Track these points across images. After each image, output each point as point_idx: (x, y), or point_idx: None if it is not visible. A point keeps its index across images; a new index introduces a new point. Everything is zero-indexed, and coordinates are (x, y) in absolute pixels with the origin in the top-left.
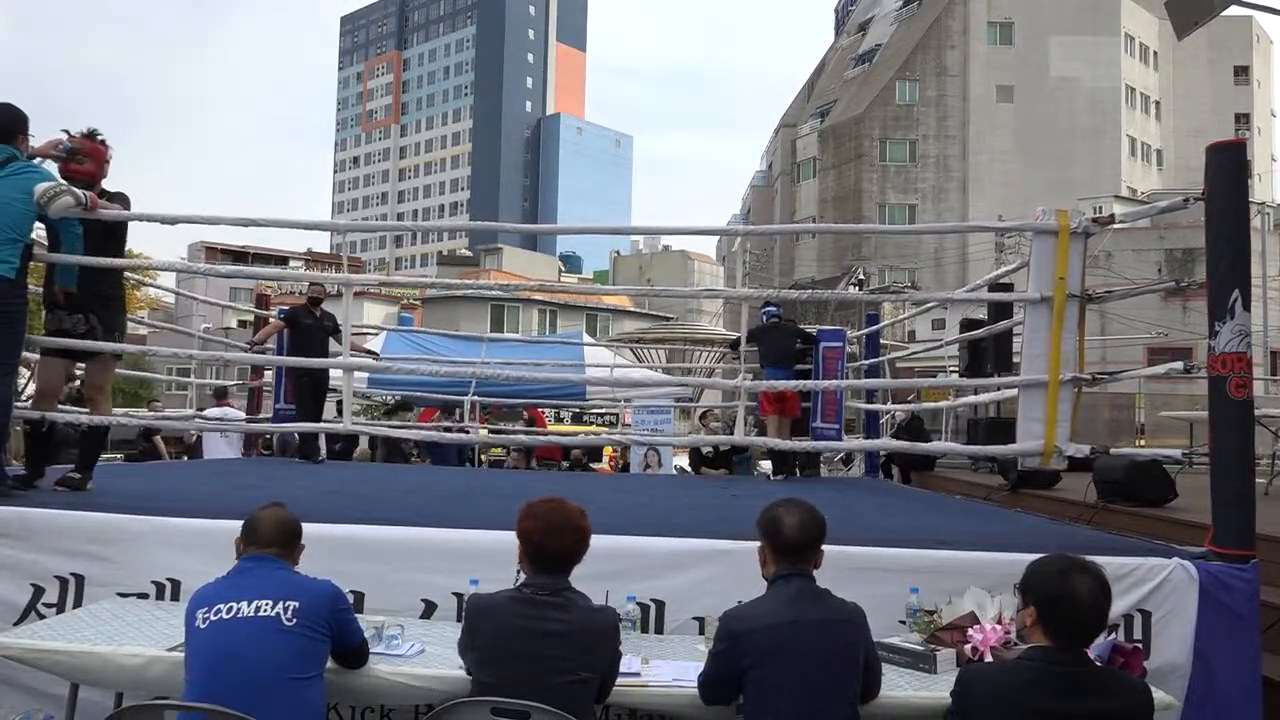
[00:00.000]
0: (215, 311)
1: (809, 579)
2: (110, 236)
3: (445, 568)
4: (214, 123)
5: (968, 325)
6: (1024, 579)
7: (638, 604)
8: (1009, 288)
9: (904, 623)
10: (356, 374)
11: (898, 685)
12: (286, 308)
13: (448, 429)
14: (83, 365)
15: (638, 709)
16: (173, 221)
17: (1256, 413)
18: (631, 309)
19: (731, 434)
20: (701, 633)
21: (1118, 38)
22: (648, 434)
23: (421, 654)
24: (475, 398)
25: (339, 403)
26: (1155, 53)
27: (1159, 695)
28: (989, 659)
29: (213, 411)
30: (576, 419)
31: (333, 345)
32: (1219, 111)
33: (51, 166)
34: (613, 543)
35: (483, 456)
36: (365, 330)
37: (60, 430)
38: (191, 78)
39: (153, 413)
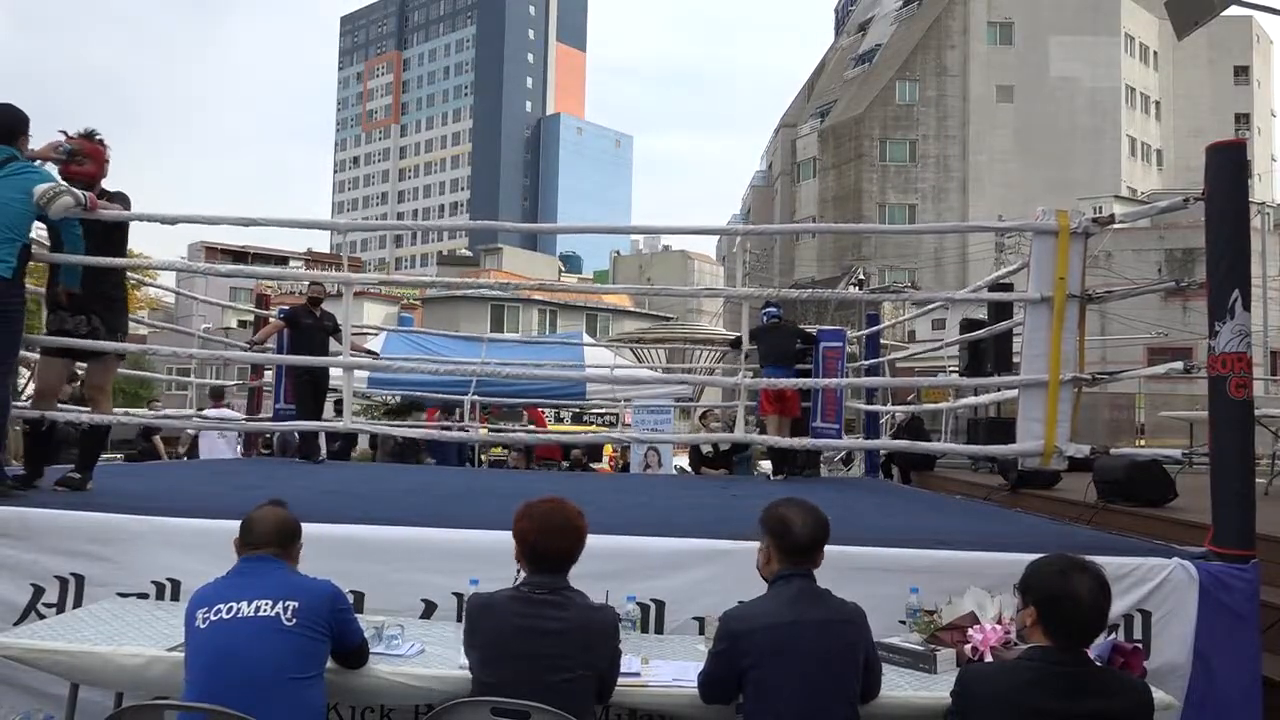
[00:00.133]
0: (215, 311)
1: (810, 579)
2: (111, 237)
3: (445, 568)
4: (214, 123)
5: (968, 325)
6: (1024, 579)
7: (638, 604)
8: (1009, 288)
9: (904, 623)
10: (356, 374)
11: (898, 685)
12: (286, 308)
13: (447, 429)
14: (84, 365)
15: (638, 709)
16: (172, 221)
17: (1256, 413)
18: (631, 309)
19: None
20: (701, 633)
21: (1118, 38)
22: (648, 434)
23: (421, 654)
24: (475, 397)
25: (337, 402)
26: (1155, 53)
27: (1159, 695)
28: (989, 659)
29: (210, 413)
30: (576, 419)
31: (333, 345)
32: (1219, 111)
33: (51, 168)
34: (613, 543)
35: (483, 456)
36: (365, 330)
37: (61, 430)
38: (191, 78)
39: (152, 412)
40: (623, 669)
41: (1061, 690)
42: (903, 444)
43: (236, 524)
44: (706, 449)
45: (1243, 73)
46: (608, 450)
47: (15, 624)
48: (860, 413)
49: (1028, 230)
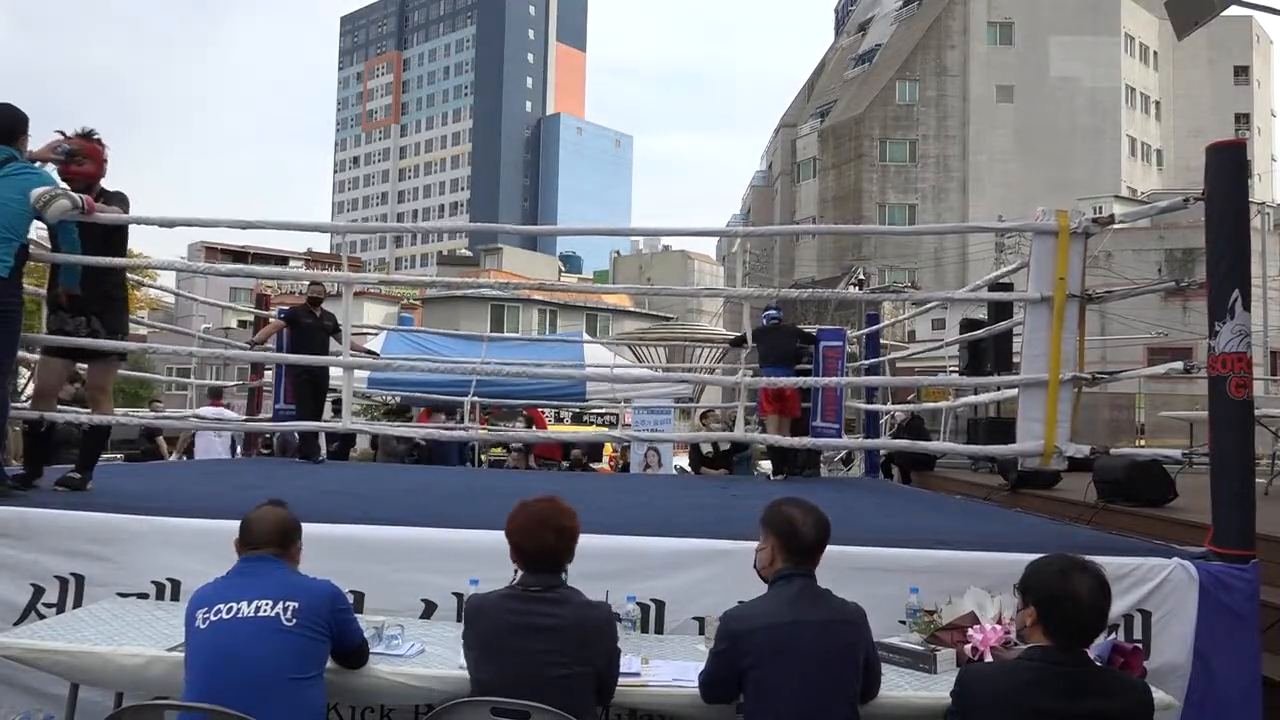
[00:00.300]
0: (215, 311)
1: (811, 579)
2: (111, 238)
3: (445, 568)
4: (214, 123)
5: (968, 325)
6: (1024, 579)
7: (638, 604)
8: (1009, 288)
9: (904, 623)
10: (356, 374)
11: (898, 685)
12: (286, 307)
13: (448, 429)
14: (84, 366)
15: (638, 709)
16: (170, 224)
17: (1256, 413)
18: (631, 309)
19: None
20: (701, 633)
21: (1118, 38)
22: (648, 433)
23: (421, 654)
24: (475, 398)
25: (336, 402)
26: (1155, 53)
27: (1159, 695)
28: (989, 659)
29: (206, 410)
30: (576, 419)
31: (333, 345)
32: (1219, 111)
33: (51, 169)
34: (613, 543)
35: (482, 456)
36: (365, 330)
37: (62, 430)
38: (191, 78)
39: (153, 413)
40: (623, 669)
41: (1061, 690)
42: (903, 444)
43: (236, 524)
44: (706, 449)
45: (1243, 73)
46: (608, 450)
47: (15, 624)
48: (860, 412)
49: (1028, 230)
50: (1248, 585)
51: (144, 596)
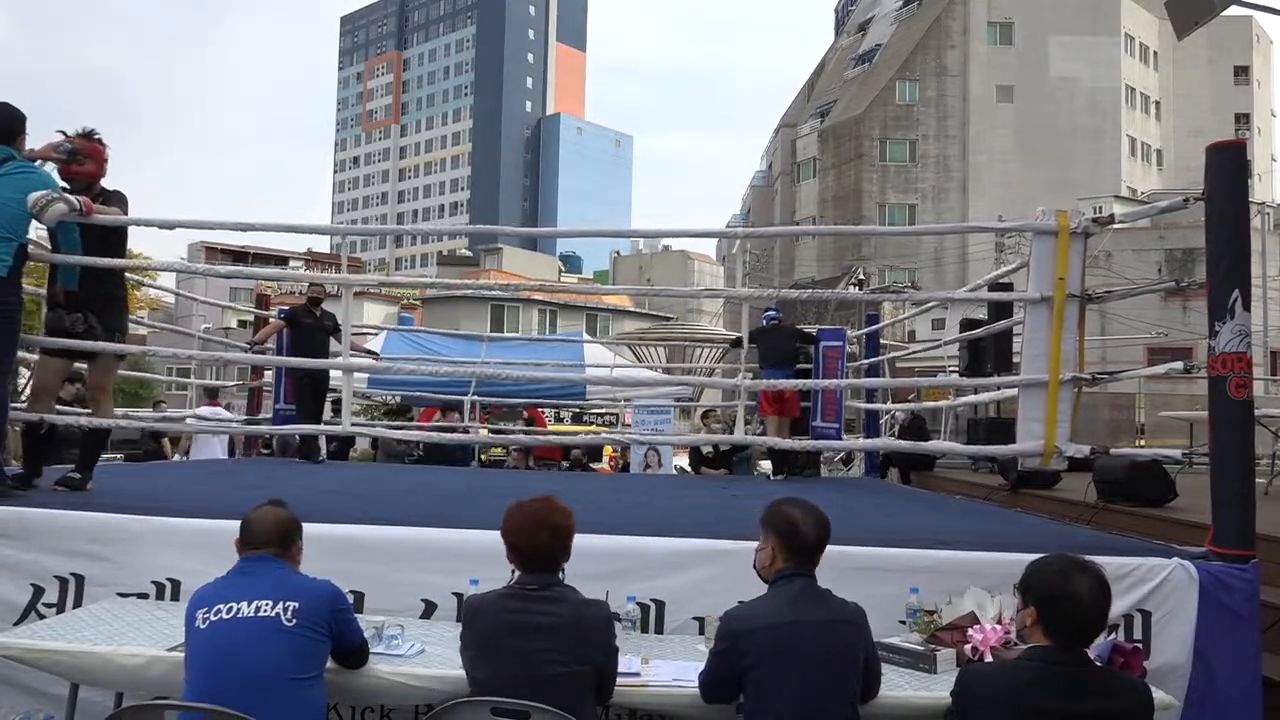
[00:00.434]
0: (215, 312)
1: (811, 579)
2: (110, 237)
3: (445, 568)
4: (214, 123)
5: (968, 325)
6: (1024, 579)
7: (638, 604)
8: (1009, 288)
9: (904, 623)
10: (356, 374)
11: (898, 685)
12: (286, 308)
13: (451, 429)
14: (83, 365)
15: (638, 709)
16: (170, 226)
17: (1256, 413)
18: (631, 309)
19: (732, 434)
20: (701, 633)
21: (1118, 38)
22: (648, 434)
23: (421, 654)
24: (475, 398)
25: (336, 402)
26: (1155, 53)
27: (1159, 695)
28: (989, 659)
29: (203, 410)
30: (576, 419)
31: (333, 345)
32: (1219, 111)
33: (51, 168)
34: (613, 543)
35: (482, 456)
36: (365, 330)
37: (62, 430)
38: (191, 78)
39: (156, 413)
40: (623, 669)
41: (1061, 690)
42: (901, 444)
43: (236, 524)
44: (706, 449)
45: (1243, 73)
46: (608, 450)
47: (15, 624)
48: (860, 412)
49: (1028, 230)
50: (1248, 585)
51: (144, 596)
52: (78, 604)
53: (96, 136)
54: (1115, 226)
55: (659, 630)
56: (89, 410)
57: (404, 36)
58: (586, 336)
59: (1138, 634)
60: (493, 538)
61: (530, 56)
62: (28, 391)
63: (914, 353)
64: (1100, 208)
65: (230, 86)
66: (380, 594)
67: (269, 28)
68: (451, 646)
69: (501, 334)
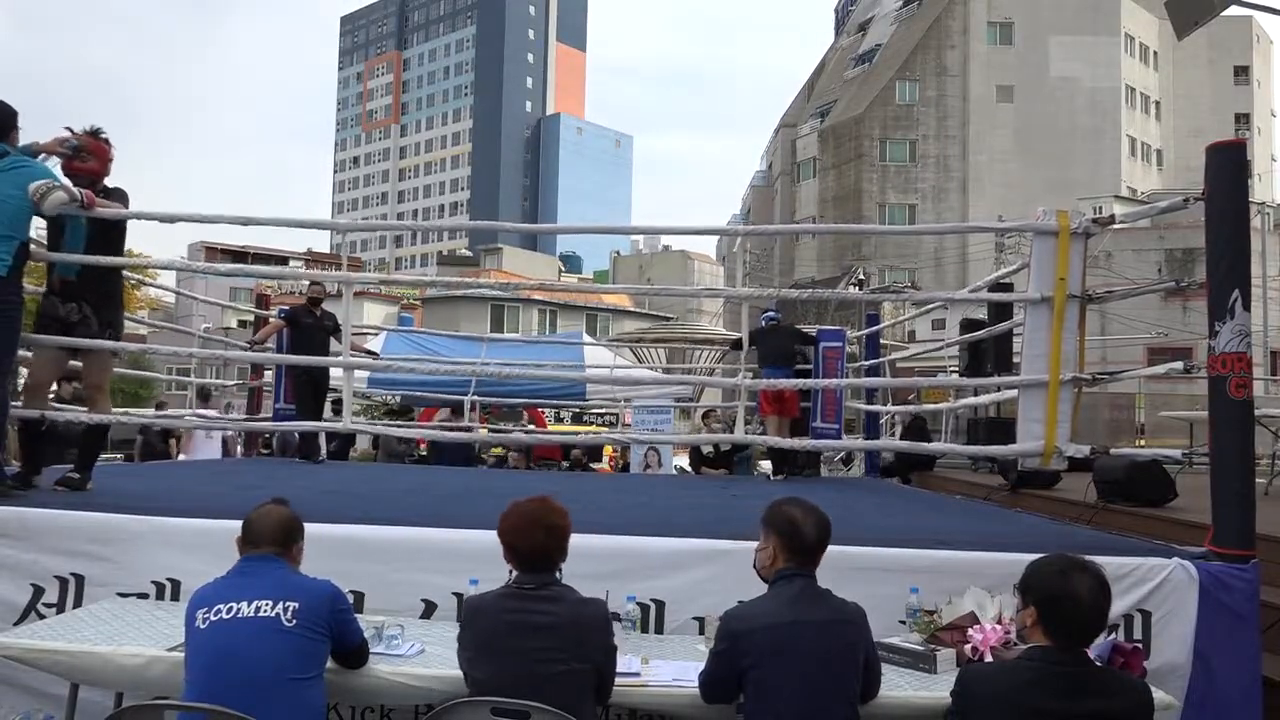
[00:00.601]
0: (215, 311)
1: (811, 579)
2: (109, 234)
3: (445, 568)
4: (214, 123)
5: (968, 326)
6: (1024, 579)
7: (638, 604)
8: (1009, 288)
9: (904, 623)
10: (356, 374)
11: (898, 685)
12: (286, 307)
13: (460, 428)
14: (79, 362)
15: (638, 709)
16: (171, 220)
17: (1256, 413)
18: (631, 309)
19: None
20: (701, 633)
21: (1118, 38)
22: (648, 434)
23: (421, 654)
24: (475, 398)
25: (336, 402)
26: (1155, 53)
27: (1159, 695)
28: (989, 659)
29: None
30: (576, 419)
31: (333, 345)
32: (1219, 111)
33: (55, 163)
34: (613, 543)
35: (483, 456)
36: (365, 330)
37: (63, 428)
38: (191, 78)
39: (157, 412)
40: (623, 669)
41: (1061, 690)
42: (901, 444)
43: (236, 524)
44: (707, 449)
45: (1243, 73)
46: (608, 450)
47: (15, 624)
48: (860, 413)
49: (1028, 230)
50: (1248, 585)
51: (144, 596)
52: (78, 604)
53: (103, 136)
54: (1115, 227)
55: (659, 630)
56: (87, 409)
57: (404, 36)
58: (587, 338)
59: (1138, 634)
60: (492, 538)
61: (530, 56)
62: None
63: (914, 353)
64: (1100, 208)
65: (230, 86)
66: (380, 594)
67: (269, 28)
68: (451, 646)
69: (501, 334)
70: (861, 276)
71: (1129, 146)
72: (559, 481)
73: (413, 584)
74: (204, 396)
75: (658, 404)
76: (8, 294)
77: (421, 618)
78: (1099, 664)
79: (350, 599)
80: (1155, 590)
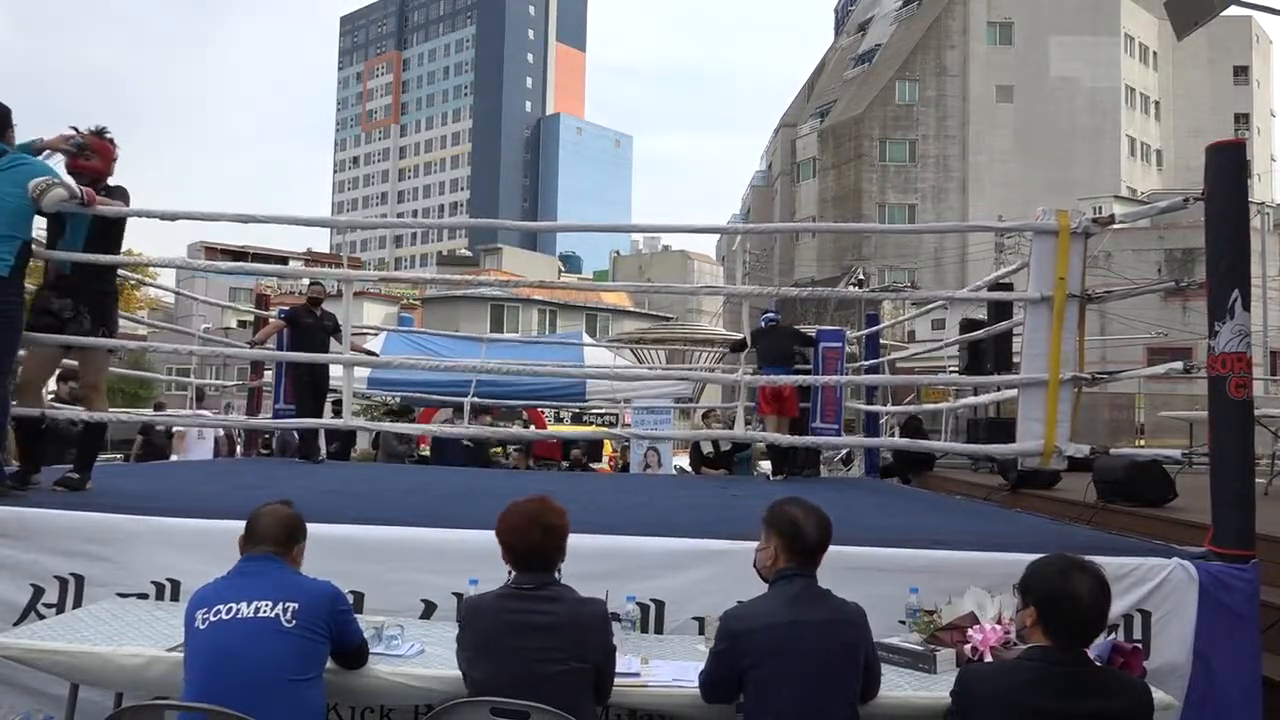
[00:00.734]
0: (215, 311)
1: (812, 579)
2: (109, 232)
3: (444, 568)
4: (214, 123)
5: (968, 325)
6: (1023, 579)
7: (637, 604)
8: (1009, 288)
9: (904, 623)
10: (356, 374)
11: (897, 685)
12: (287, 307)
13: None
14: (74, 362)
15: (637, 709)
16: (172, 218)
17: (1256, 413)
18: (631, 309)
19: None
20: (701, 633)
21: (1117, 38)
22: (647, 432)
23: (421, 654)
24: (475, 399)
25: (336, 403)
26: (1155, 53)
27: (1159, 695)
28: (989, 659)
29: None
30: (576, 420)
31: (333, 345)
32: (1219, 111)
33: (58, 160)
34: (612, 543)
35: (501, 460)
36: (365, 330)
37: (62, 427)
38: (191, 78)
39: (157, 412)
40: (623, 669)
41: (1061, 690)
42: (901, 442)
43: (236, 524)
44: (707, 449)
45: (1242, 73)
46: (607, 450)
47: (15, 624)
48: (860, 413)
49: (1028, 230)
50: (1248, 585)
51: (144, 597)
52: (77, 604)
53: (108, 136)
54: (1115, 227)
55: (659, 630)
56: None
57: (404, 36)
58: (587, 338)
59: (1138, 634)
60: (492, 538)
61: (530, 56)
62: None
63: (914, 353)
64: (1100, 208)
65: (230, 86)
66: (380, 594)
67: (269, 28)
68: (451, 647)
69: (501, 335)
70: (861, 277)
71: (1129, 146)
72: (558, 482)
73: (412, 584)
74: (199, 396)
75: (657, 404)
76: (9, 294)
77: (421, 618)
78: (1099, 664)
79: (350, 599)
80: (1155, 590)
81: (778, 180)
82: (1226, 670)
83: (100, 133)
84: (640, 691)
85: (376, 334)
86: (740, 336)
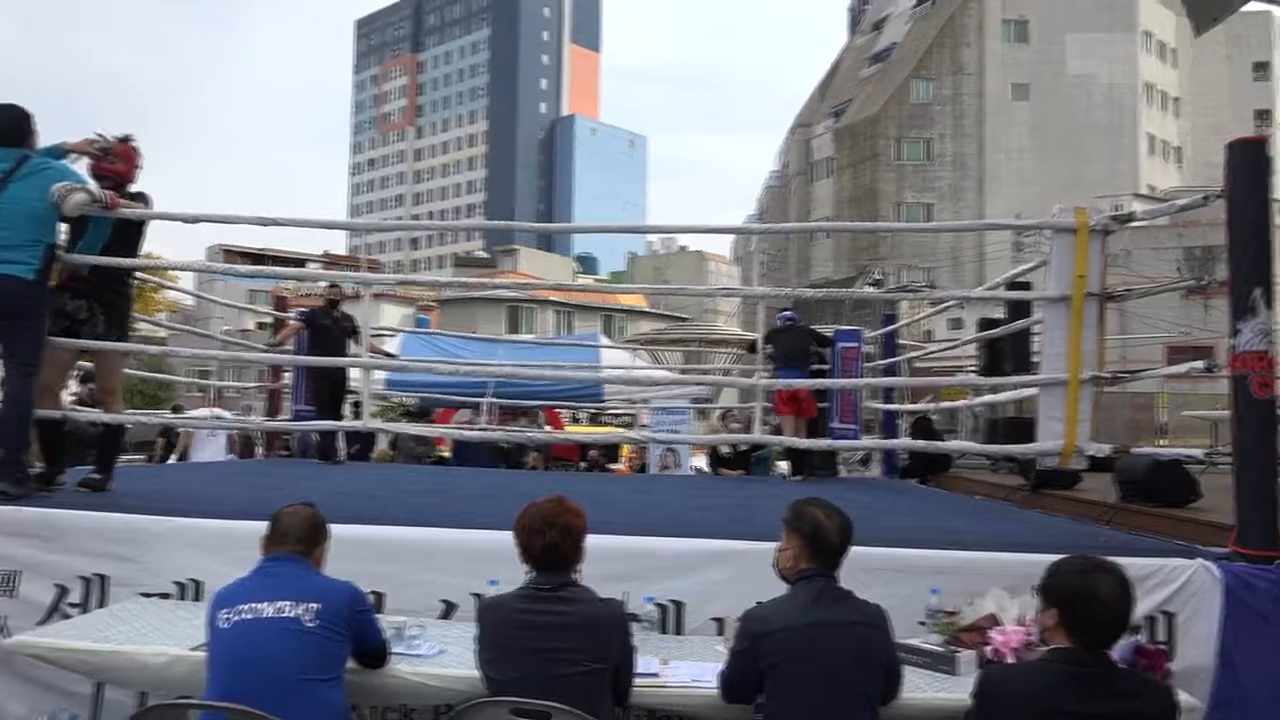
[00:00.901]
0: (234, 314)
1: (832, 580)
2: (130, 235)
3: (464, 568)
4: (230, 127)
5: (985, 325)
6: (1044, 580)
7: (656, 605)
8: (1027, 286)
9: (923, 624)
10: (375, 375)
11: (918, 687)
12: (305, 309)
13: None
14: (89, 363)
15: (656, 710)
16: (194, 220)
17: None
18: (647, 310)
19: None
20: (720, 633)
21: (1135, 34)
22: (664, 434)
23: (441, 654)
24: (493, 400)
25: (356, 404)
26: (1173, 49)
27: (1183, 698)
28: (1009, 660)
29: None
30: (593, 421)
31: (351, 347)
32: (1238, 108)
33: (83, 163)
34: (631, 544)
35: (532, 463)
36: (383, 332)
37: (82, 429)
38: (206, 83)
39: (174, 414)
40: (642, 669)
41: (1084, 692)
42: (918, 443)
43: (258, 524)
44: (725, 449)
45: (1262, 68)
46: (625, 451)
47: (40, 623)
48: (878, 413)
49: (1046, 228)
50: (1272, 586)
51: (166, 596)
52: (102, 604)
53: (133, 143)
54: (1134, 224)
55: (678, 631)
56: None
57: (419, 39)
58: (603, 339)
59: (1161, 635)
60: (511, 538)
61: (545, 58)
62: None
63: (931, 353)
64: (1119, 206)
65: (246, 91)
66: (400, 594)
67: (284, 33)
68: (471, 647)
69: (518, 336)
70: (878, 277)
71: (1147, 144)
72: (576, 482)
73: (432, 585)
74: (218, 397)
75: (674, 404)
76: (35, 297)
77: (440, 618)
78: (1122, 666)
79: (370, 599)
80: (1179, 591)
81: (793, 181)
82: (1252, 672)
83: (125, 139)
84: (659, 692)
85: (394, 335)
86: (754, 337)
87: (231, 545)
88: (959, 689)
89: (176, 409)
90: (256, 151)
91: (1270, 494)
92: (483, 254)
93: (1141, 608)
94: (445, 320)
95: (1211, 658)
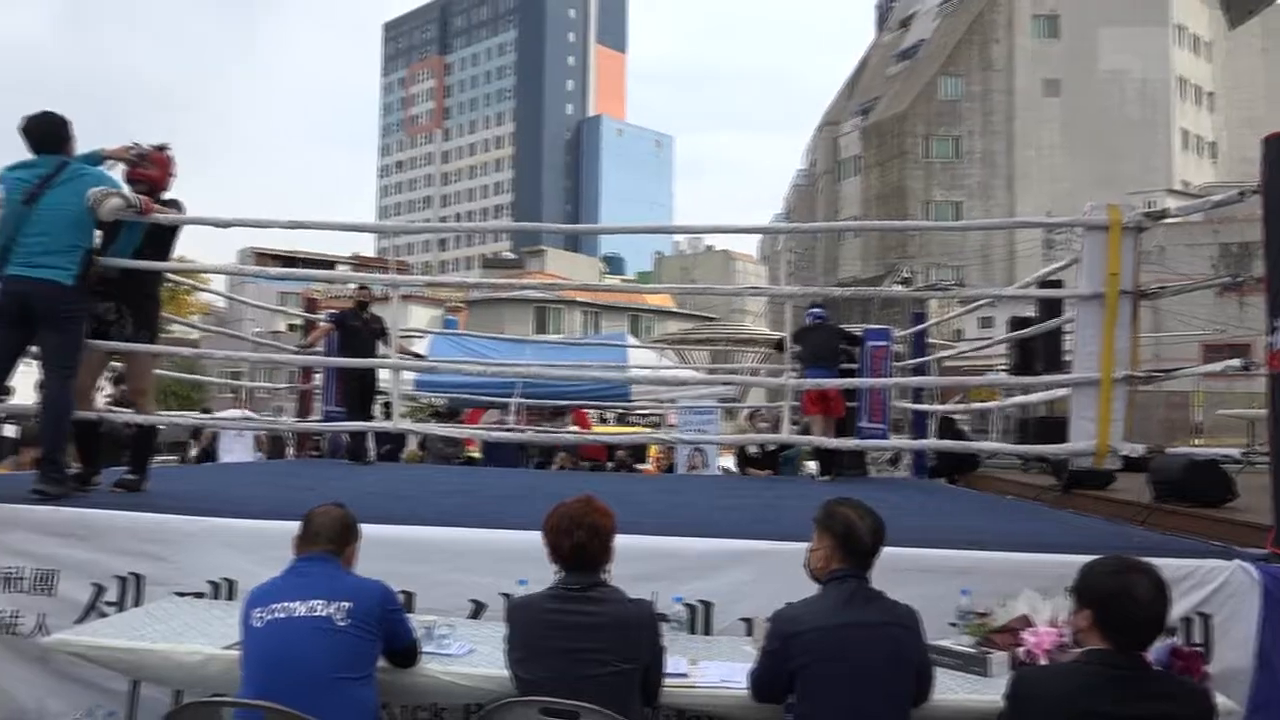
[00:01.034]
0: (265, 316)
1: (864, 580)
2: (162, 239)
3: (493, 568)
4: (260, 131)
5: (1016, 324)
6: (1078, 581)
7: (685, 605)
8: (1058, 284)
9: (954, 625)
10: (404, 376)
11: (950, 688)
12: (335, 311)
13: (500, 429)
14: (120, 364)
15: (685, 710)
16: (226, 225)
17: None
18: (675, 310)
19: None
20: (749, 634)
21: (1167, 28)
22: (692, 434)
23: (471, 654)
24: (520, 400)
25: (386, 404)
26: (1207, 43)
27: (1220, 700)
28: (1042, 662)
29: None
30: (621, 420)
31: (380, 348)
32: (1274, 101)
33: (119, 169)
34: (659, 544)
35: (563, 464)
36: (411, 333)
37: (115, 430)
38: (235, 87)
39: (206, 414)
40: (671, 670)
41: (1119, 694)
42: (946, 443)
43: (290, 524)
44: (753, 449)
45: None
46: (652, 451)
47: (78, 621)
48: (908, 413)
49: (1078, 225)
50: None
51: (200, 595)
52: (137, 602)
53: (168, 151)
54: (1168, 221)
55: (707, 631)
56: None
57: (446, 42)
58: (631, 339)
59: (1198, 637)
60: (540, 538)
61: (571, 59)
62: None
63: (962, 352)
64: (1152, 202)
65: (275, 96)
66: (430, 594)
67: (312, 37)
68: (500, 646)
69: (545, 337)
70: (907, 275)
71: (1181, 139)
72: (604, 482)
73: (461, 584)
74: (249, 398)
75: (702, 404)
76: (75, 301)
77: (470, 618)
78: (1157, 668)
79: (401, 599)
80: (1215, 593)
81: (820, 179)
82: None
83: (161, 148)
84: (688, 692)
85: (422, 336)
86: (782, 336)
87: (264, 545)
88: (991, 691)
89: (205, 411)
90: (286, 155)
91: None
92: (510, 255)
93: (1177, 609)
94: (473, 321)
95: (1249, 660)
